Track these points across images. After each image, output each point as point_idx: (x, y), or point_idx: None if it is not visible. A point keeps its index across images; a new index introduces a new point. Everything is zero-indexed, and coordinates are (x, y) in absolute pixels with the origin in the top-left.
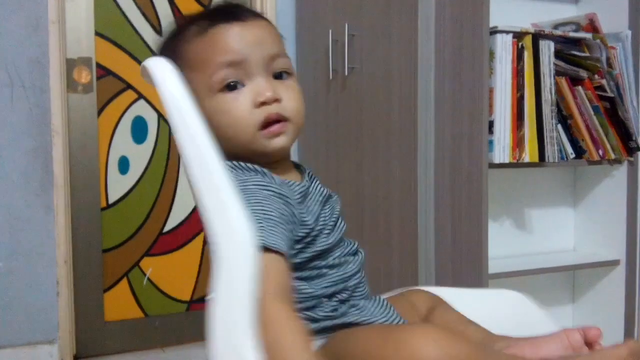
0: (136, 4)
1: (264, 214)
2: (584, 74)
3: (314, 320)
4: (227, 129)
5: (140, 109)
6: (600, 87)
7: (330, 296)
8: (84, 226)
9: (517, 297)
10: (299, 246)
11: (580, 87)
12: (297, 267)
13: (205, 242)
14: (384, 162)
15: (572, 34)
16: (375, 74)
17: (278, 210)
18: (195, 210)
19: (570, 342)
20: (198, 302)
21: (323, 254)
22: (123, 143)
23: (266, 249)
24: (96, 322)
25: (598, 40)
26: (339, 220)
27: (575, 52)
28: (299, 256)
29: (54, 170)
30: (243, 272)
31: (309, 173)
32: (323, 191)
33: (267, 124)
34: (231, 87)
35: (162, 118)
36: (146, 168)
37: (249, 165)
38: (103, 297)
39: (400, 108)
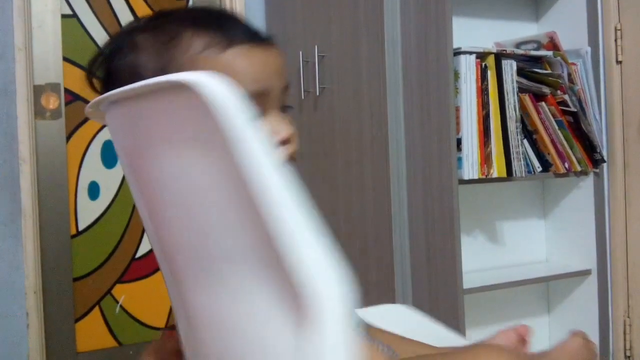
0: (104, 28)
1: None
2: (546, 90)
3: None
4: None
5: None
6: (563, 102)
7: None
8: (54, 254)
9: (405, 310)
10: None
11: (543, 103)
12: None
13: None
14: (357, 181)
15: (533, 52)
16: (346, 93)
17: None
18: None
19: (509, 341)
20: (173, 329)
21: None
22: (93, 168)
23: None
24: (68, 354)
25: (558, 58)
26: None
27: (537, 70)
28: None
29: (22, 199)
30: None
31: None
32: None
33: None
34: None
35: None
36: (117, 192)
37: None
38: (75, 328)
39: (372, 128)
